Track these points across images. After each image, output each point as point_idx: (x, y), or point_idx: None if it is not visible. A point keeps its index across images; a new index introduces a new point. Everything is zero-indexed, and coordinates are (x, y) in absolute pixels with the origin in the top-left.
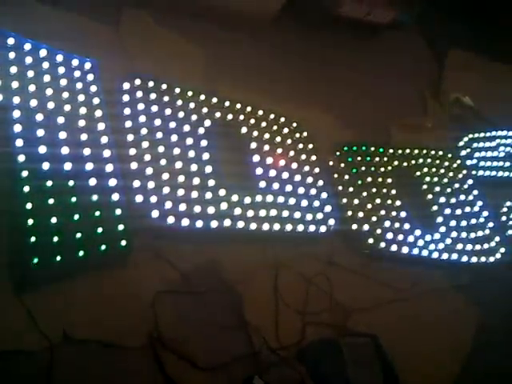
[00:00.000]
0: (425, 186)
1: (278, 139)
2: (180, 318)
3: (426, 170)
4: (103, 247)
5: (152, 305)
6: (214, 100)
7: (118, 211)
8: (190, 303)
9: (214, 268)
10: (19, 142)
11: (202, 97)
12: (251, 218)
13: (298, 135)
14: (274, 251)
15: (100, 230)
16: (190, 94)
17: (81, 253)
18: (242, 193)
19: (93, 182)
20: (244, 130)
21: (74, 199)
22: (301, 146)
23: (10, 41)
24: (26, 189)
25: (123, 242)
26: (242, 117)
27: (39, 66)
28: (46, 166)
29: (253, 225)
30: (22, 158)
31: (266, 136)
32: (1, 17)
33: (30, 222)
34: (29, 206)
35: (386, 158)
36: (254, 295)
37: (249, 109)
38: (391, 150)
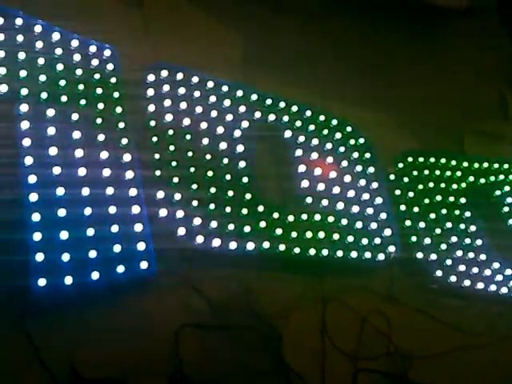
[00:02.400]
0: (506, 209)
1: (329, 146)
2: (207, 357)
3: (507, 188)
4: (120, 269)
5: (175, 340)
6: (254, 97)
7: (139, 227)
8: (219, 340)
9: (248, 299)
10: (26, 142)
11: (240, 93)
12: (294, 240)
13: (352, 142)
14: (321, 281)
15: (117, 248)
16: (225, 88)
17: (94, 275)
18: (284, 210)
19: (110, 191)
20: (288, 133)
21: (87, 211)
22: (356, 154)
23: (18, 21)
24: (33, 197)
25: (143, 264)
26: (285, 118)
27: (51, 53)
28: (56, 170)
29: (296, 249)
30: (29, 160)
31: (315, 142)
32: None
33: (37, 236)
34: (36, 217)
35: (458, 173)
36: (296, 334)
37: (294, 108)
38: (465, 163)
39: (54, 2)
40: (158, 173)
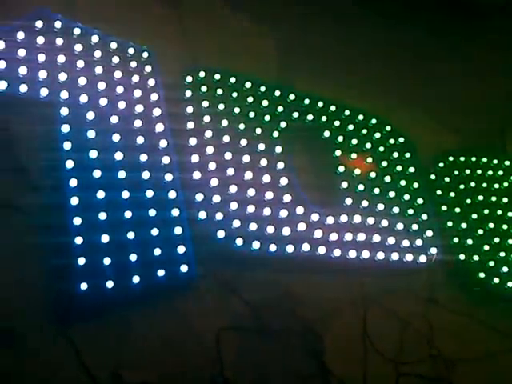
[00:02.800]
0: None
1: (368, 146)
2: (248, 360)
3: None
4: (161, 273)
5: (216, 344)
6: (292, 97)
7: (178, 230)
8: (260, 343)
9: (289, 302)
10: (67, 145)
11: (277, 93)
12: (334, 242)
13: (392, 141)
14: (361, 284)
15: (157, 251)
16: (262, 89)
17: (135, 279)
18: (323, 211)
19: (150, 194)
20: (327, 133)
21: (128, 214)
22: (396, 154)
23: (57, 24)
24: (74, 201)
25: (184, 268)
26: (324, 118)
27: (90, 55)
28: (97, 174)
29: (336, 251)
30: (70, 163)
31: (354, 142)
32: None
33: (79, 240)
34: (77, 221)
35: (501, 172)
36: (337, 337)
37: (333, 108)
38: (507, 162)
39: (91, 4)
40: (196, 175)
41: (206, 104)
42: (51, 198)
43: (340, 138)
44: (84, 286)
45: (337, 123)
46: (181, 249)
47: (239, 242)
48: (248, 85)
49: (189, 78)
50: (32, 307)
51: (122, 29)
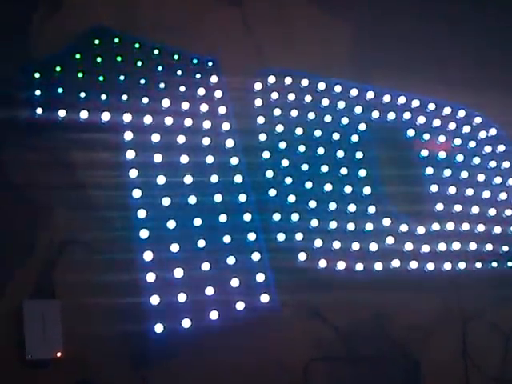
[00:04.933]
0: None
1: (458, 142)
2: None
3: None
4: (240, 306)
5: (304, 375)
6: (370, 95)
7: (256, 256)
8: (351, 373)
9: (380, 325)
10: (133, 173)
11: (354, 92)
12: (427, 254)
13: (483, 134)
14: (458, 299)
15: (235, 282)
16: (337, 89)
17: (213, 314)
18: (412, 221)
19: (223, 218)
20: (411, 132)
21: (201, 243)
22: (488, 148)
23: (116, 40)
24: (144, 234)
25: (264, 298)
26: (407, 115)
27: (153, 70)
28: (166, 201)
29: (430, 265)
30: (137, 193)
31: (441, 139)
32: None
33: (151, 277)
34: (148, 256)
35: None
36: (434, 359)
37: (416, 103)
38: None
39: (152, 14)
40: (272, 192)
41: (277, 112)
42: (118, 231)
43: (426, 136)
44: (159, 327)
45: (421, 120)
46: (260, 277)
47: (322, 263)
48: (322, 86)
49: (258, 85)
50: (105, 354)
51: (183, 37)
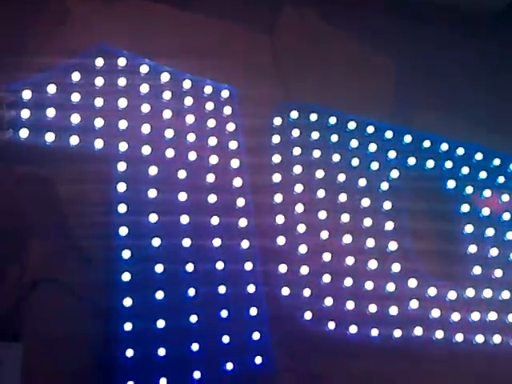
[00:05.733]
0: None
1: (505, 198)
2: None
3: None
4: (229, 366)
5: None
6: (408, 139)
7: (254, 311)
8: None
9: None
10: (122, 208)
11: (389, 134)
12: (457, 324)
13: None
14: (490, 376)
15: (226, 339)
16: (370, 130)
17: (196, 374)
18: (443, 284)
19: (220, 265)
20: (451, 184)
21: (191, 292)
22: None
23: (121, 62)
24: (126, 277)
25: (258, 359)
26: (448, 164)
27: (158, 97)
28: (155, 242)
29: (459, 336)
30: (123, 230)
31: (487, 193)
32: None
33: (128, 326)
34: (127, 302)
35: None
36: None
37: (460, 151)
38: None
39: (163, 35)
40: (281, 241)
41: (297, 151)
42: (100, 274)
43: (469, 190)
44: None
45: (465, 170)
46: (255, 335)
47: (331, 325)
48: (352, 125)
49: (277, 120)
50: None
51: (195, 64)
